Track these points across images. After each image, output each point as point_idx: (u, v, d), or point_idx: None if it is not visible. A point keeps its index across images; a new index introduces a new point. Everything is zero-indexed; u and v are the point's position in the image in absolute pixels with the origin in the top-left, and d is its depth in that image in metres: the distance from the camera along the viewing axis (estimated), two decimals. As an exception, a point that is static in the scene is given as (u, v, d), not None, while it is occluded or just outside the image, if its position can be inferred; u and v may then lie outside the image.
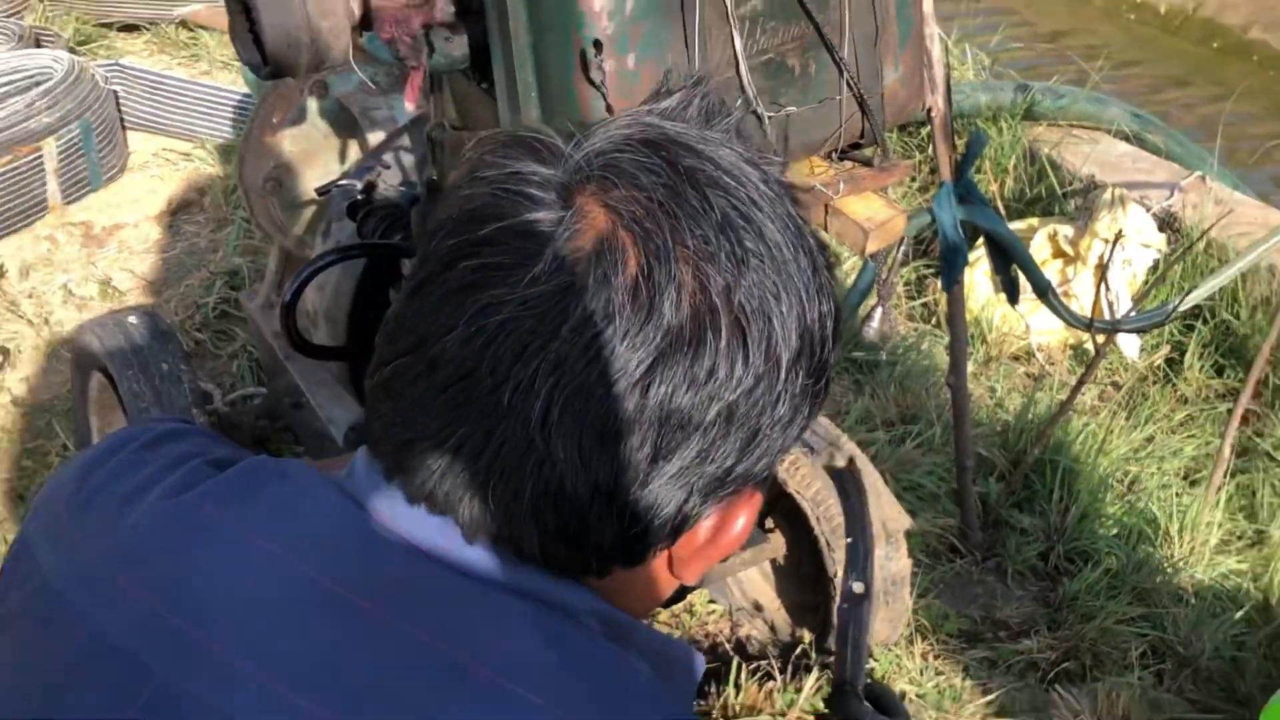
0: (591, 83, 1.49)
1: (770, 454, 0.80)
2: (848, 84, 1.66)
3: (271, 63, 1.78)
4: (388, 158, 2.26)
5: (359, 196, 2.15)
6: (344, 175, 2.36)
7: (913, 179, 4.19)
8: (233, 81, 4.55)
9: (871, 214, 1.73)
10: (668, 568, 0.84)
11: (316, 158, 2.62)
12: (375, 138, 2.49)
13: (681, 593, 1.43)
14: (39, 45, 4.39)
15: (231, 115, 4.30)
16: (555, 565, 0.80)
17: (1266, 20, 6.97)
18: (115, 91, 4.31)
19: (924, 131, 4.20)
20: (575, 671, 0.77)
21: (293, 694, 0.74)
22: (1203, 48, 7.09)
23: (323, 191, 2.11)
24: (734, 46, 1.56)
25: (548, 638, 0.78)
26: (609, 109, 1.50)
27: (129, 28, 5.17)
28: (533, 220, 0.75)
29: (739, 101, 1.59)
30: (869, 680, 1.98)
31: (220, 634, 0.77)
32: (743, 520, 0.84)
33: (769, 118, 1.61)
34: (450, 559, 0.78)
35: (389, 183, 2.20)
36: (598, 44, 1.48)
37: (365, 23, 1.80)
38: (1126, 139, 4.46)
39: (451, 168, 1.95)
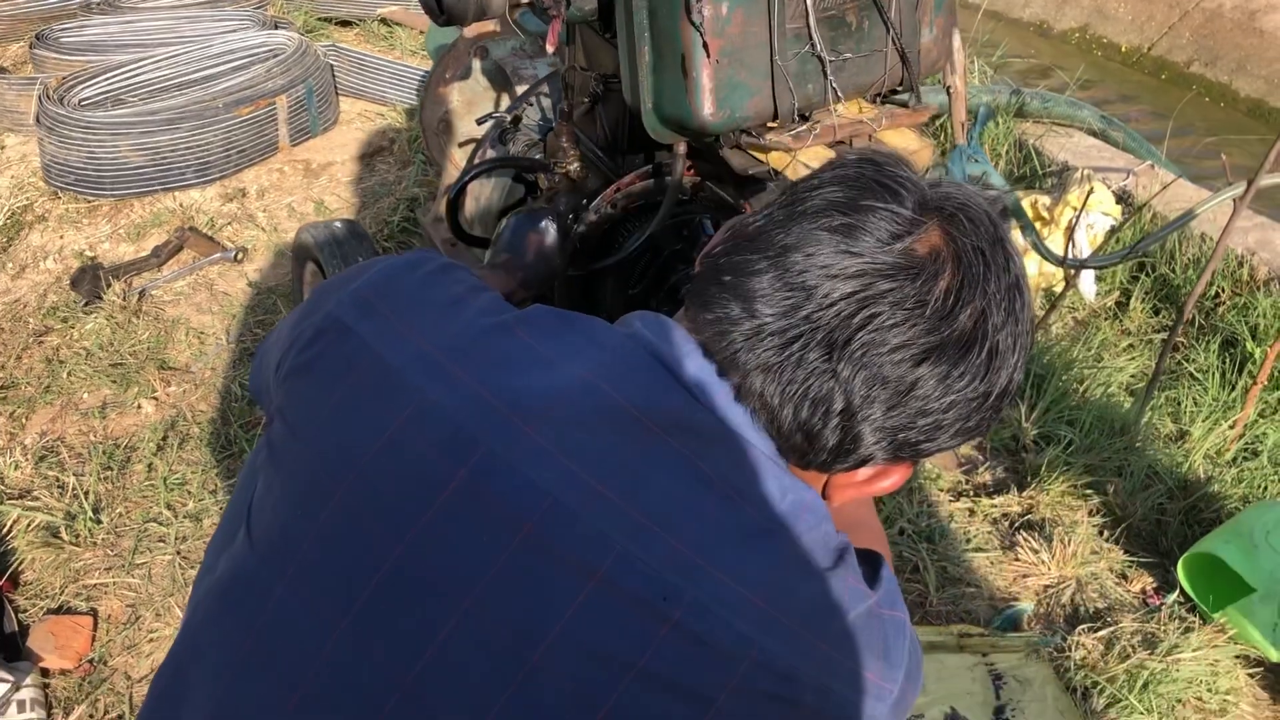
0: (693, 24, 1.40)
1: (939, 447, 0.81)
2: (893, 39, 1.56)
3: (446, 12, 1.70)
4: (531, 101, 2.19)
5: (508, 126, 2.08)
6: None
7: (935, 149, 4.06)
8: (418, 63, 4.49)
9: (906, 145, 1.63)
10: (823, 486, 0.85)
11: (477, 106, 2.55)
12: (523, 91, 2.42)
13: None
14: (277, 28, 4.35)
15: (415, 86, 4.24)
16: (784, 445, 0.80)
17: (1204, 59, 6.71)
18: (331, 65, 4.26)
19: (939, 121, 4.06)
20: (779, 494, 0.78)
21: (585, 474, 0.75)
22: (1153, 79, 6.85)
23: (481, 121, 2.03)
24: (806, 3, 1.46)
25: (770, 475, 0.79)
26: (705, 46, 1.41)
27: (343, 23, 5.13)
28: (896, 212, 0.77)
29: (805, 47, 1.49)
30: None
31: (535, 424, 0.76)
32: (891, 480, 0.85)
33: (829, 62, 1.51)
34: (717, 407, 0.79)
35: (531, 118, 2.13)
36: (699, -7, 1.38)
37: (520, -18, 1.73)
38: (1094, 135, 4.29)
39: (579, 103, 1.87)
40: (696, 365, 0.79)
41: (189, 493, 2.58)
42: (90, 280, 3.27)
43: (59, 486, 2.60)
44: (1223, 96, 6.43)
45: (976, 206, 0.80)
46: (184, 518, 2.51)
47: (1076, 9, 7.82)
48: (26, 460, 2.68)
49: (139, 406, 2.88)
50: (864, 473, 0.83)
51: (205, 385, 2.94)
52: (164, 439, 2.74)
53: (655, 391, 0.79)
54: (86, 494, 2.55)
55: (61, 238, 3.59)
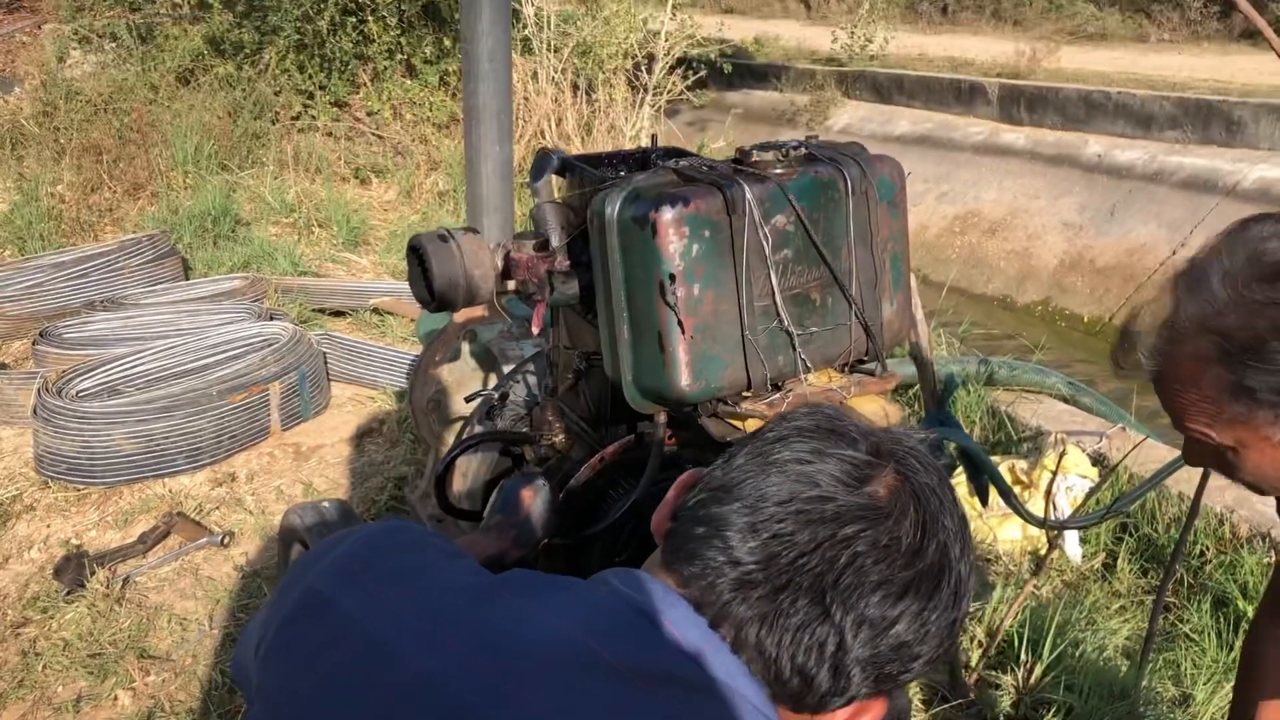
0: (668, 304, 1.51)
1: (913, 675, 0.85)
2: (855, 314, 1.67)
3: (438, 299, 1.82)
4: (517, 379, 2.28)
5: (495, 403, 2.17)
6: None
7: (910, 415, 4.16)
8: (409, 348, 4.66)
9: (875, 411, 1.71)
10: None
11: (466, 385, 2.65)
12: (510, 370, 2.52)
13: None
14: (272, 319, 4.54)
15: (405, 370, 4.37)
16: (779, 691, 0.82)
17: (1165, 327, 7.00)
18: (324, 352, 4.43)
19: (911, 390, 4.20)
20: None
21: None
22: (1118, 346, 7.11)
23: (470, 399, 2.12)
24: (772, 283, 1.57)
25: None
26: (680, 324, 1.51)
27: (336, 313, 5.35)
28: (854, 458, 0.83)
29: (774, 323, 1.59)
30: None
31: (526, 687, 0.78)
32: (870, 716, 0.86)
33: (797, 335, 1.61)
34: (707, 658, 0.80)
35: (518, 395, 2.22)
36: (672, 277, 1.49)
37: (506, 271, 1.85)
38: (1064, 400, 4.43)
39: (564, 379, 1.97)
40: (685, 618, 0.82)
41: (161, 789, 2.48)
42: (74, 569, 3.26)
43: (24, 788, 2.50)
44: (1186, 361, 6.65)
45: (919, 449, 0.87)
46: (154, 816, 2.40)
47: (1037, 284, 8.24)
48: (-8, 760, 2.58)
49: (115, 698, 2.81)
50: (843, 714, 0.85)
51: (185, 673, 2.88)
52: (138, 732, 2.66)
53: (643, 646, 0.80)
54: (53, 794, 2.45)
55: (48, 527, 3.60)
